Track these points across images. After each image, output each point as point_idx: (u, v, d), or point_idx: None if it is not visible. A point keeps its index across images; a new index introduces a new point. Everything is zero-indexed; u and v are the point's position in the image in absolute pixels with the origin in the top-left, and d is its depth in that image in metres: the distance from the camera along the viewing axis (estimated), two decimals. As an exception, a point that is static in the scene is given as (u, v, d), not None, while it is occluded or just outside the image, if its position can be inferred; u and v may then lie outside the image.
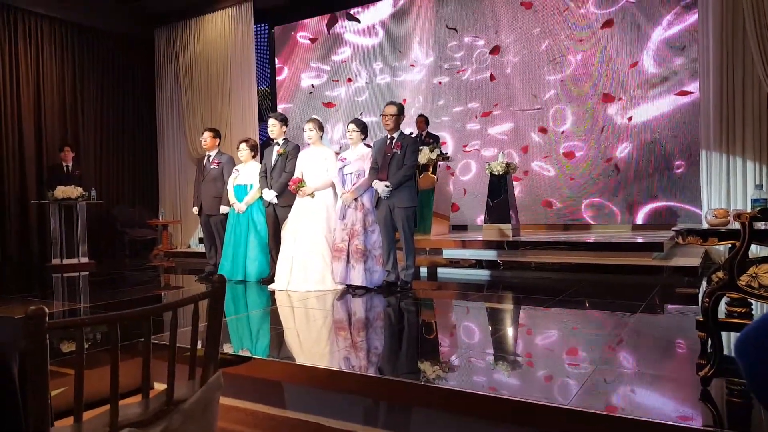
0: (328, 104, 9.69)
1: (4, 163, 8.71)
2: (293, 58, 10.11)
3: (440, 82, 8.73)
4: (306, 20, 9.91)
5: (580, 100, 7.72)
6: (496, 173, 6.50)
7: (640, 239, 6.02)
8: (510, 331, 3.56)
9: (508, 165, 6.53)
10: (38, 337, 1.18)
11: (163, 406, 1.43)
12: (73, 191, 7.46)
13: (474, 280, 5.72)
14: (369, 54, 9.33)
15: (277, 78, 10.26)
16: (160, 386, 1.53)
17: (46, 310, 1.20)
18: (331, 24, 9.60)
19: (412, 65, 8.92)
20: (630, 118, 7.40)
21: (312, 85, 9.91)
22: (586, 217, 7.67)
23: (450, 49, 8.64)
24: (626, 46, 7.44)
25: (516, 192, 7.08)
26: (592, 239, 6.30)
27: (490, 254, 6.12)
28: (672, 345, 3.13)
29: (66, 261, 7.45)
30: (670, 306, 4.25)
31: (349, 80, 9.48)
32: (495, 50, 8.26)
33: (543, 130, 7.95)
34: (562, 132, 7.82)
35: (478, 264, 6.07)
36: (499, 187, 6.51)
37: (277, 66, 10.28)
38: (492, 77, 8.28)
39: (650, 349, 3.02)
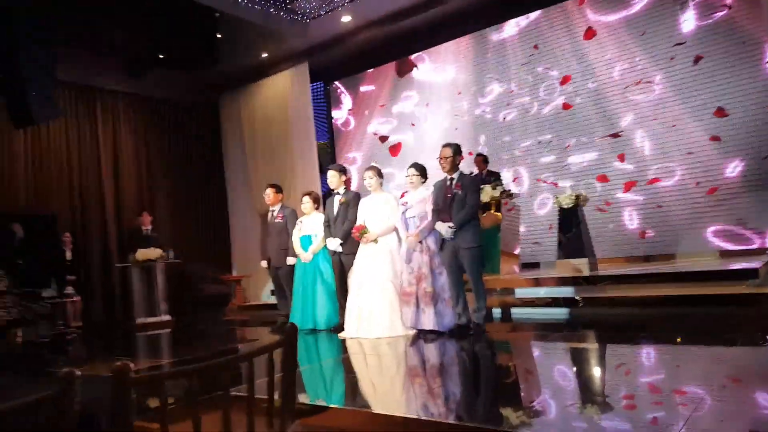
0: (396, 146, 9.75)
1: (87, 230, 9.35)
2: (357, 108, 10.33)
3: (504, 118, 8.61)
4: (363, 72, 10.18)
5: (664, 122, 7.28)
6: (566, 206, 6.30)
7: (735, 266, 5.49)
8: (596, 371, 3.34)
9: (577, 197, 6.32)
10: (123, 392, 1.22)
11: (245, 459, 1.43)
12: (153, 253, 7.86)
13: (551, 319, 5.48)
14: (433, 96, 9.38)
15: (343, 129, 10.48)
16: (240, 439, 1.54)
17: (131, 366, 1.24)
18: (400, 68, 9.72)
19: (481, 102, 8.86)
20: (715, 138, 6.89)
21: (377, 134, 10.07)
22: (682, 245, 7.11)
23: (517, 84, 8.52)
24: (722, 57, 6.86)
25: (597, 224, 6.69)
26: (675, 269, 5.92)
27: (566, 291, 5.84)
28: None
29: (148, 319, 7.78)
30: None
31: (413, 125, 9.55)
32: (564, 80, 8.06)
33: (624, 157, 7.58)
34: (647, 157, 7.40)
35: (554, 302, 5.80)
36: (570, 220, 6.30)
37: (342, 119, 10.50)
38: (565, 106, 8.04)
39: (755, 385, 2.75)
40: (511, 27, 8.60)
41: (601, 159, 7.76)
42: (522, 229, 8.16)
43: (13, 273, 7.00)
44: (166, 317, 7.89)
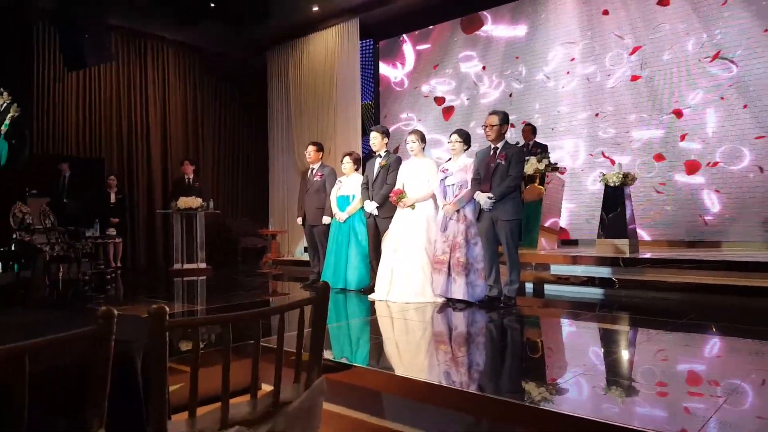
0: (449, 109, 9.51)
1: (134, 176, 9.63)
2: (410, 66, 10.05)
3: (563, 87, 8.25)
4: (417, 30, 9.88)
5: (733, 104, 6.87)
6: (612, 185, 6.11)
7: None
8: (625, 354, 3.29)
9: (625, 176, 6.11)
10: (159, 334, 1.25)
11: (270, 408, 1.46)
12: (194, 202, 8.05)
13: (585, 299, 5.39)
14: (489, 59, 9.06)
15: (397, 89, 10.25)
16: (267, 387, 1.58)
17: (167, 309, 1.26)
18: (466, 25, 9.33)
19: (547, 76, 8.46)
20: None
21: (426, 96, 9.88)
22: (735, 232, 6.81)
23: (580, 52, 8.11)
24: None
25: (649, 204, 6.39)
26: (720, 257, 5.70)
27: (603, 271, 5.71)
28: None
29: (186, 266, 8.04)
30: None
31: (467, 89, 9.26)
32: (634, 50, 7.63)
33: (686, 137, 7.21)
34: (713, 137, 7.01)
35: (590, 281, 5.69)
36: (615, 199, 6.10)
37: (396, 78, 10.26)
38: (633, 78, 7.62)
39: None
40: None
41: (662, 137, 7.39)
42: (572, 205, 8.00)
43: (59, 211, 7.29)
44: (203, 265, 8.12)
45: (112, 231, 8.24)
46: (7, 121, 6.69)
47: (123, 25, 9.22)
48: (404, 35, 10.05)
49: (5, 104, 6.70)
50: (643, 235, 7.33)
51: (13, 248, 6.45)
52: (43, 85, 8.56)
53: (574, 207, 8.02)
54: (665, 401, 2.31)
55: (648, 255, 5.89)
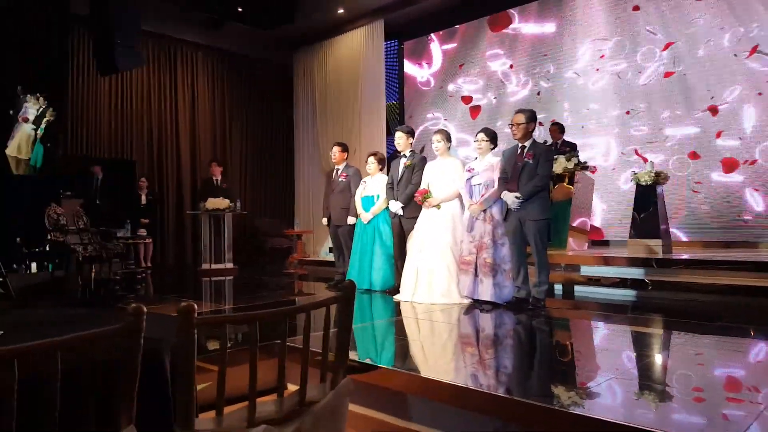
0: (476, 108, 9.45)
1: (164, 177, 9.81)
2: (436, 66, 10.00)
3: (593, 84, 8.11)
4: (443, 30, 9.84)
5: None
6: (644, 183, 5.98)
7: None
8: (659, 357, 3.19)
9: (657, 174, 5.97)
10: (187, 332, 1.26)
11: (296, 407, 1.46)
12: (221, 203, 8.14)
13: (617, 300, 5.27)
14: (516, 57, 8.96)
15: (423, 88, 10.20)
16: (293, 387, 1.57)
17: (195, 306, 1.27)
18: (493, 23, 9.24)
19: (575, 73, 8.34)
20: None
21: (452, 96, 9.84)
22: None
23: (610, 48, 7.97)
24: None
25: (683, 203, 6.23)
26: (757, 258, 5.52)
27: (635, 272, 5.57)
28: None
29: (214, 266, 8.13)
30: None
31: (494, 88, 9.19)
32: (666, 46, 7.47)
33: (721, 134, 7.02)
34: (751, 134, 6.80)
35: (622, 283, 5.56)
36: (647, 198, 5.97)
37: (422, 78, 10.21)
38: (666, 75, 7.45)
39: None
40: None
41: (697, 134, 7.21)
42: (605, 205, 7.86)
43: (91, 212, 7.46)
44: (231, 265, 8.21)
45: (142, 232, 8.41)
46: (43, 125, 6.88)
47: (153, 31, 9.40)
48: (431, 34, 10.01)
49: (41, 109, 6.89)
50: (680, 235, 7.17)
51: (47, 248, 6.63)
52: (76, 89, 8.79)
53: (607, 207, 7.87)
54: (702, 407, 2.24)
55: (682, 256, 5.74)
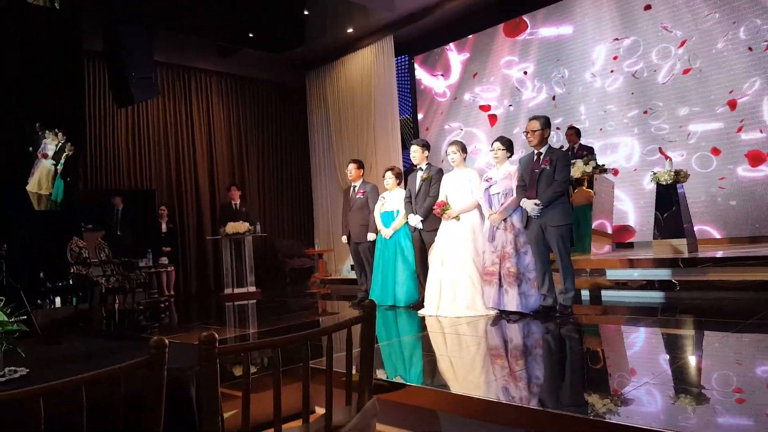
0: (493, 116, 9.37)
1: (184, 204, 9.91)
2: (451, 77, 9.98)
3: (609, 86, 8.03)
4: (453, 42, 9.86)
5: None
6: (664, 183, 5.88)
7: None
8: (694, 359, 3.09)
9: (677, 173, 5.88)
10: (210, 361, 1.24)
11: (323, 433, 1.43)
12: (241, 227, 8.18)
13: (645, 303, 5.14)
14: (529, 65, 8.93)
15: (439, 100, 10.17)
16: (320, 410, 1.55)
17: (216, 336, 1.25)
18: (510, 30, 9.19)
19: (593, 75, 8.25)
20: None
21: (466, 106, 9.81)
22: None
23: (624, 49, 7.89)
24: None
25: (708, 200, 6.20)
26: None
27: (663, 273, 5.44)
28: None
29: (237, 290, 8.15)
30: None
31: (509, 95, 9.15)
32: (681, 44, 7.36)
33: (743, 129, 6.85)
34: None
35: (649, 285, 5.43)
36: (668, 198, 5.87)
37: (439, 89, 10.18)
38: (684, 72, 7.32)
39: None
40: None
41: (719, 130, 7.07)
42: (631, 206, 7.75)
43: (113, 244, 7.55)
44: (253, 288, 8.21)
45: (164, 260, 8.46)
46: (62, 161, 7.00)
47: (166, 61, 9.58)
48: (445, 45, 9.99)
49: (60, 144, 7.02)
50: (712, 232, 7.04)
51: (71, 282, 6.70)
52: (94, 122, 8.94)
53: (632, 208, 7.76)
54: (746, 408, 2.15)
55: (708, 254, 5.60)
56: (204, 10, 8.25)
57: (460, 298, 4.71)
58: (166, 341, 1.20)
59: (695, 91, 7.26)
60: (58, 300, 6.45)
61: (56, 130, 7.05)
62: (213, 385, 1.26)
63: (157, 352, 1.19)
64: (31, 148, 6.89)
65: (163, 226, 8.87)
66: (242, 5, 8.23)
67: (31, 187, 6.89)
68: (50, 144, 7.01)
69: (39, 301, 6.17)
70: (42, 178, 6.95)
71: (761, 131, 6.75)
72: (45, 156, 6.97)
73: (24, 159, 6.90)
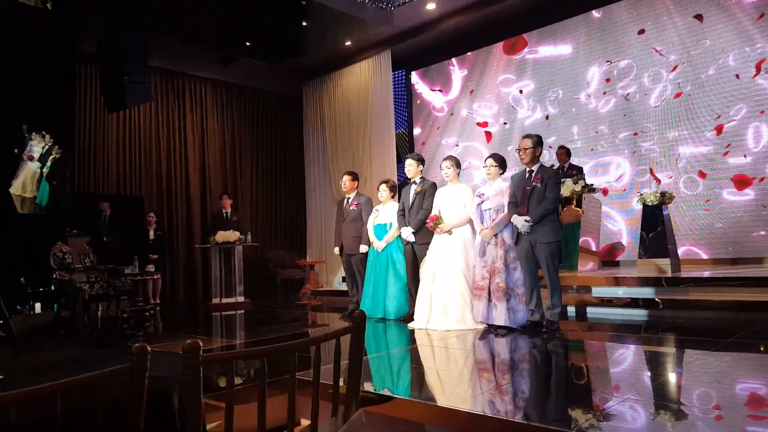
0: (489, 133, 9.43)
1: (174, 212, 9.83)
2: (448, 92, 10.03)
3: (602, 107, 8.14)
4: (451, 59, 9.94)
5: None
6: (650, 204, 5.98)
7: None
8: (675, 376, 3.11)
9: (663, 194, 5.99)
10: (193, 369, 1.22)
11: (307, 445, 1.41)
12: (231, 236, 8.10)
13: (629, 321, 5.19)
14: (525, 83, 9.01)
15: (437, 114, 10.21)
16: (306, 422, 1.53)
17: (201, 344, 1.24)
18: (510, 48, 9.28)
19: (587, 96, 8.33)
20: None
21: (461, 122, 9.85)
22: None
23: (618, 72, 8.02)
24: None
25: (693, 221, 6.31)
26: (764, 273, 5.45)
27: (647, 292, 5.53)
28: None
29: (224, 300, 8.04)
30: None
31: (504, 113, 9.23)
32: (673, 68, 7.50)
33: (732, 153, 6.98)
34: (761, 151, 6.78)
35: (634, 303, 5.51)
36: (654, 218, 5.98)
37: (437, 104, 10.22)
38: (676, 96, 7.45)
39: None
40: (613, 11, 8.08)
41: (706, 153, 7.19)
42: (620, 225, 7.81)
43: (99, 249, 7.41)
44: (242, 299, 8.12)
45: (150, 268, 8.33)
46: (48, 163, 6.90)
47: (161, 66, 9.53)
48: (447, 60, 10.03)
49: (47, 146, 6.93)
50: (700, 252, 7.14)
51: (53, 288, 6.56)
52: (84, 126, 8.81)
53: (625, 227, 7.82)
54: (724, 425, 2.16)
55: (691, 274, 5.70)
56: (204, 15, 8.24)
57: (451, 311, 4.71)
58: (149, 348, 1.18)
59: (684, 115, 7.38)
60: (38, 306, 6.30)
61: (43, 132, 6.94)
62: (196, 394, 1.24)
63: (138, 359, 1.17)
64: (16, 150, 6.78)
65: (151, 233, 8.77)
66: (242, 13, 8.25)
67: (15, 189, 6.77)
68: (36, 146, 6.89)
69: (18, 307, 6.03)
70: (27, 180, 6.84)
71: (745, 156, 6.85)
72: (30, 158, 6.86)
73: (9, 161, 6.77)
